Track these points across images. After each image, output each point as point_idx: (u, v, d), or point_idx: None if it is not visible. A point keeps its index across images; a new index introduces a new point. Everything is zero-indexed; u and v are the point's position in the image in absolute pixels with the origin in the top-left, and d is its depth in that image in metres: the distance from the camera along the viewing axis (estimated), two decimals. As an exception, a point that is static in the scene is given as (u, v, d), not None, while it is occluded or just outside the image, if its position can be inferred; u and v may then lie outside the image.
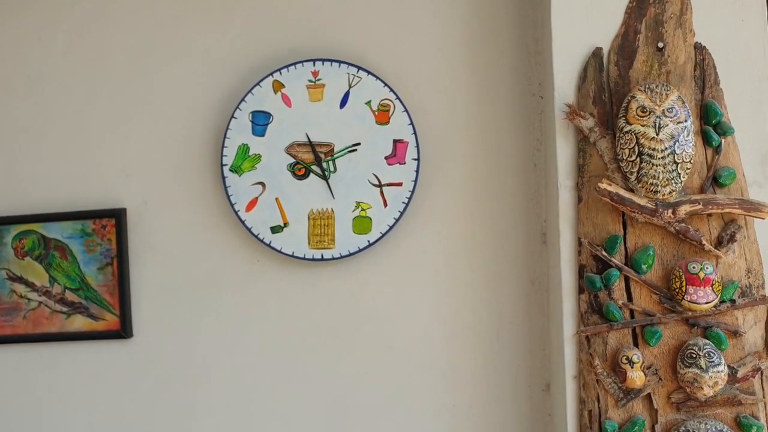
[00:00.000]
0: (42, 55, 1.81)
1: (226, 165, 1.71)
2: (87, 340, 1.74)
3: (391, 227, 1.67)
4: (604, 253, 1.42)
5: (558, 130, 1.49)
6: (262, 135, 1.71)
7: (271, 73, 1.71)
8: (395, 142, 1.68)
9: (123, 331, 1.72)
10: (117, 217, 1.72)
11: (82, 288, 1.73)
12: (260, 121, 1.72)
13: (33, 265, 1.75)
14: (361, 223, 1.68)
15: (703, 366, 1.32)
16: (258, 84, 1.71)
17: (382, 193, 1.68)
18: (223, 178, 1.71)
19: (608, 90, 1.47)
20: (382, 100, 1.69)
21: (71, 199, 1.77)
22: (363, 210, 1.68)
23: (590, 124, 1.46)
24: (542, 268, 1.66)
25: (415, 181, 1.67)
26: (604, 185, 1.40)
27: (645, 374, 1.36)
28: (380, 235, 1.67)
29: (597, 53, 1.48)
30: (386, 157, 1.68)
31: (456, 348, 1.68)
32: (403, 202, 1.67)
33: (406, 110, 1.68)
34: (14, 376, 1.79)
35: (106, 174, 1.78)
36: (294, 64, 1.70)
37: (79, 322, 1.73)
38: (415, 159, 1.67)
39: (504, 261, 1.68)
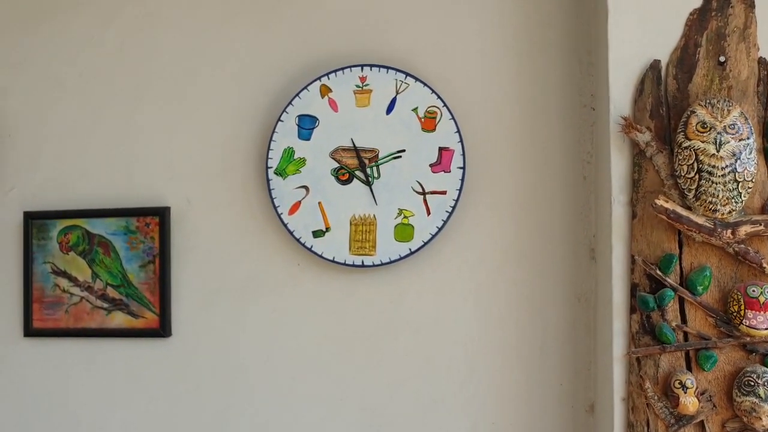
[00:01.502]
0: (93, 54, 1.83)
1: (271, 168, 1.70)
2: (126, 337, 1.74)
3: (433, 236, 1.64)
4: (658, 272, 1.37)
5: (613, 143, 1.45)
6: (308, 139, 1.70)
7: (319, 78, 1.70)
8: (441, 149, 1.66)
9: (162, 329, 1.72)
10: (161, 215, 1.73)
11: (124, 285, 1.74)
12: (306, 125, 1.71)
13: (77, 260, 1.76)
14: (403, 231, 1.66)
15: (763, 395, 1.26)
16: (305, 88, 1.70)
17: (425, 201, 1.65)
18: (268, 180, 1.70)
19: (666, 104, 1.43)
20: (429, 107, 1.67)
21: (116, 196, 1.79)
22: (405, 217, 1.66)
23: (647, 138, 1.41)
24: (590, 285, 1.61)
25: (460, 190, 1.64)
26: (660, 202, 1.35)
27: (699, 400, 1.30)
28: (422, 243, 1.64)
29: (655, 66, 1.44)
30: (431, 165, 1.66)
31: (497, 363, 1.64)
32: (447, 211, 1.64)
33: (453, 118, 1.66)
34: (54, 370, 1.80)
35: (151, 172, 1.79)
36: (342, 69, 1.69)
37: (119, 319, 1.74)
38: (460, 167, 1.64)
39: (550, 276, 1.64)
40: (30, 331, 1.78)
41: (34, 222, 1.78)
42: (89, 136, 1.82)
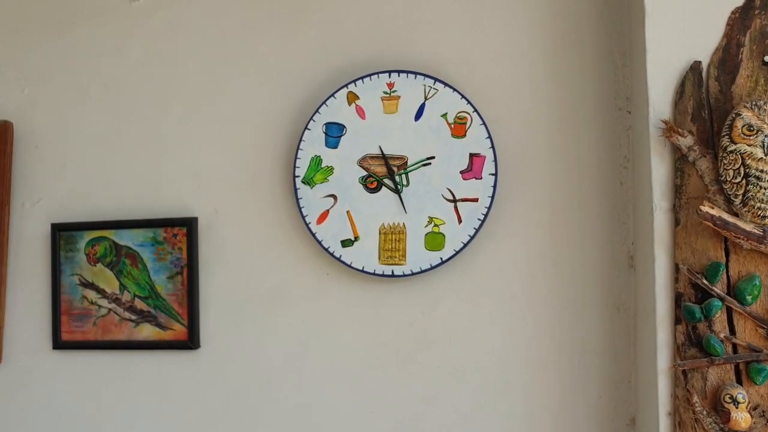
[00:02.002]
0: (118, 64, 1.82)
1: (298, 176, 1.67)
2: (154, 349, 1.72)
3: (465, 244, 1.60)
4: (704, 281, 1.32)
5: (653, 148, 1.40)
6: (335, 147, 1.67)
7: (346, 85, 1.67)
8: (471, 156, 1.62)
9: (190, 341, 1.70)
10: (188, 225, 1.71)
11: (152, 296, 1.72)
12: (334, 133, 1.68)
13: (104, 272, 1.75)
14: (434, 240, 1.62)
15: (819, 410, 1.20)
16: (332, 95, 1.67)
17: (456, 208, 1.61)
18: (295, 189, 1.67)
19: (708, 106, 1.37)
20: (458, 113, 1.63)
21: (143, 207, 1.77)
22: (436, 226, 1.62)
23: (689, 142, 1.36)
24: (629, 294, 1.56)
25: (492, 197, 1.59)
26: (706, 208, 1.30)
27: (751, 416, 1.24)
28: (453, 252, 1.60)
29: (695, 67, 1.38)
30: (462, 172, 1.62)
31: (533, 375, 1.59)
32: (479, 219, 1.60)
33: (484, 123, 1.62)
34: (83, 383, 1.79)
35: (178, 182, 1.77)
36: (369, 75, 1.66)
37: (147, 331, 1.72)
38: (492, 174, 1.60)
39: (587, 284, 1.59)
40: (59, 344, 1.77)
41: (62, 234, 1.77)
42: (115, 147, 1.81)
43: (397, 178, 1.64)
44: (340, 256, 1.65)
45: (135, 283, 1.73)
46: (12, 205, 1.83)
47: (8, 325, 1.81)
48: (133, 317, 1.73)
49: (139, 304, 1.73)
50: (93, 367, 1.78)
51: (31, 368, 1.81)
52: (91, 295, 1.75)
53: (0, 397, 1.82)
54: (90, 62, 1.83)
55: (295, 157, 1.68)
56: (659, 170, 1.39)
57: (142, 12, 1.82)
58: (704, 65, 1.38)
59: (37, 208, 1.83)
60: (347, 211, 1.66)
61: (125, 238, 1.74)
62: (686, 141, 1.36)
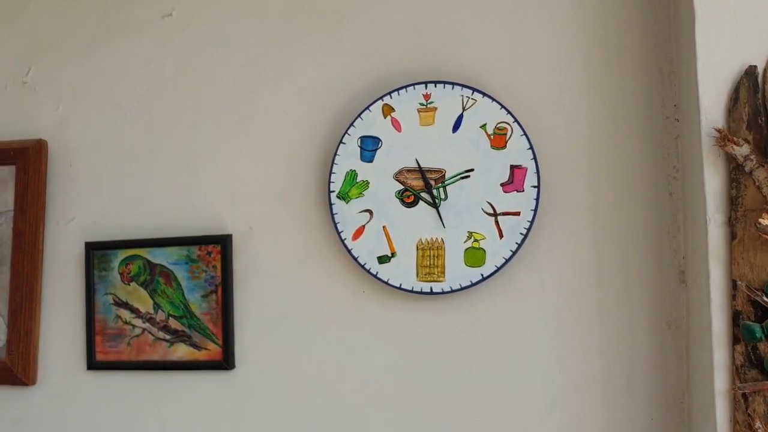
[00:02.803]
0: (152, 79, 1.81)
1: (333, 191, 1.64)
2: (188, 370, 1.69)
3: (507, 260, 1.54)
4: (765, 298, 1.24)
5: (705, 158, 1.33)
6: (371, 161, 1.63)
7: (381, 97, 1.63)
8: (512, 167, 1.56)
9: (225, 361, 1.67)
10: (222, 243, 1.68)
11: (186, 316, 1.70)
12: (369, 147, 1.64)
13: (138, 291, 1.73)
14: (474, 255, 1.56)
15: None
16: (367, 108, 1.64)
17: (497, 222, 1.56)
18: (330, 205, 1.63)
19: (765, 113, 1.30)
20: (498, 123, 1.58)
21: (177, 224, 1.75)
22: (476, 241, 1.57)
23: (745, 151, 1.29)
24: (680, 311, 1.49)
25: (535, 211, 1.54)
26: (765, 221, 1.23)
27: (822, 444, 1.17)
28: (495, 268, 1.55)
29: (751, 72, 1.31)
30: (502, 184, 1.56)
31: (580, 396, 1.52)
32: (521, 233, 1.54)
33: (525, 134, 1.56)
34: (116, 404, 1.76)
35: (212, 199, 1.74)
36: (405, 87, 1.62)
37: (182, 351, 1.69)
38: (534, 186, 1.55)
39: (635, 301, 1.52)
40: (93, 364, 1.75)
41: (95, 252, 1.75)
42: (149, 163, 1.79)
43: (434, 191, 1.60)
44: (377, 272, 1.61)
45: (169, 302, 1.71)
46: (46, 223, 1.82)
47: (43, 345, 1.80)
48: (168, 337, 1.70)
49: (174, 323, 1.70)
50: (127, 387, 1.75)
51: (65, 389, 1.79)
52: (125, 314, 1.73)
53: (35, 417, 1.80)
54: (123, 78, 1.82)
55: (330, 172, 1.64)
56: (713, 181, 1.32)
57: (174, 27, 1.80)
58: (760, 70, 1.31)
59: (71, 227, 1.82)
60: (383, 227, 1.61)
61: (159, 257, 1.72)
62: (742, 150, 1.29)
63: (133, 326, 1.72)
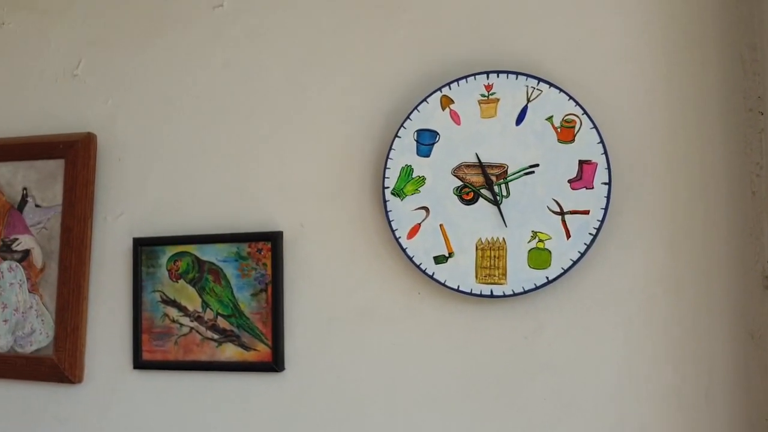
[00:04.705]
0: (202, 72, 1.76)
1: (387, 188, 1.56)
2: (236, 371, 1.64)
3: (574, 262, 1.45)
4: None
5: (800, 153, 1.22)
6: (428, 155, 1.55)
7: (439, 88, 1.55)
8: (581, 163, 1.47)
9: (275, 363, 1.61)
10: (273, 240, 1.62)
11: (235, 315, 1.64)
12: (426, 141, 1.56)
13: (186, 289, 1.68)
14: (539, 257, 1.47)
15: None
16: (424, 100, 1.56)
17: (564, 221, 1.46)
18: (385, 201, 1.56)
19: None
20: (566, 116, 1.48)
21: (227, 221, 1.70)
22: (541, 241, 1.47)
23: None
24: (764, 320, 1.37)
25: (606, 209, 1.44)
26: None
27: None
28: (561, 271, 1.45)
29: None
30: (570, 181, 1.47)
31: (652, 410, 1.42)
32: (590, 234, 1.45)
33: (595, 127, 1.46)
34: (163, 404, 1.72)
35: (262, 194, 1.69)
36: (465, 77, 1.54)
37: (230, 351, 1.64)
38: (605, 183, 1.45)
39: (714, 308, 1.41)
40: (139, 363, 1.71)
41: (143, 248, 1.71)
42: (198, 159, 1.74)
43: (495, 188, 1.51)
44: (433, 273, 1.53)
45: (218, 301, 1.65)
46: (94, 218, 1.79)
47: (89, 343, 1.77)
48: (216, 336, 1.65)
49: (222, 322, 1.65)
50: (174, 388, 1.71)
51: (111, 388, 1.75)
52: (173, 312, 1.69)
53: (81, 416, 1.77)
54: (173, 71, 1.78)
55: (384, 167, 1.57)
56: (809, 178, 1.21)
57: (225, 18, 1.75)
58: None
59: (119, 222, 1.79)
60: (440, 225, 1.53)
61: (208, 254, 1.66)
62: None
63: (181, 325, 1.68)
